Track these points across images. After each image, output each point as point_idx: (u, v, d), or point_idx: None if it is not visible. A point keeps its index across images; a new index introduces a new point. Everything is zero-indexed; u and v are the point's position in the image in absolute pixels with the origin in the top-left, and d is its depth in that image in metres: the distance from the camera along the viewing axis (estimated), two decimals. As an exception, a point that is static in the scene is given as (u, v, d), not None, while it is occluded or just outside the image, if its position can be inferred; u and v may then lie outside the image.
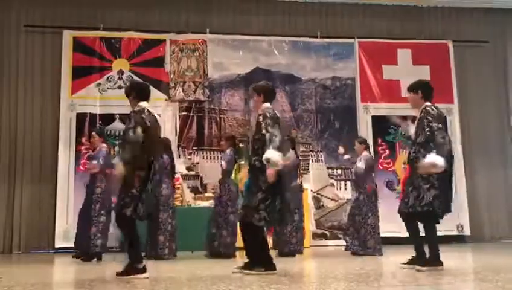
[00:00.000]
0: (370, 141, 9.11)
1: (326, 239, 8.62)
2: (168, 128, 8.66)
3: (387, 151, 9.16)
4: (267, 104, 4.62)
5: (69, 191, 8.22)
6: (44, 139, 8.50)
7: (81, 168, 8.28)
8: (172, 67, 8.90)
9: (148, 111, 4.41)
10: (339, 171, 9.02)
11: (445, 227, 8.52)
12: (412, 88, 4.86)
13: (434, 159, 4.30)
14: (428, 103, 4.77)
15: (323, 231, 8.65)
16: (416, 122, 4.75)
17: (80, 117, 8.47)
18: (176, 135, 8.63)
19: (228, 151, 6.64)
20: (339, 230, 8.75)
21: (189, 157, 8.67)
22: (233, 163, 6.66)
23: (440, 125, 4.53)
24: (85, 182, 8.18)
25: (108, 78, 8.69)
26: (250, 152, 4.60)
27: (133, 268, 4.22)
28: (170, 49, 8.94)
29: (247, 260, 4.50)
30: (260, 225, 4.38)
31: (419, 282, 3.94)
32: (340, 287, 3.58)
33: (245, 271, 4.37)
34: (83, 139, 8.41)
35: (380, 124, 9.21)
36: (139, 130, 4.22)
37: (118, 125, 8.50)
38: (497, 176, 9.48)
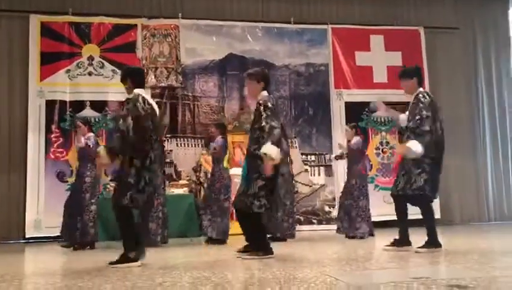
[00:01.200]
0: (343, 127, 9.20)
1: (300, 224, 8.68)
2: (141, 115, 8.54)
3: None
4: (265, 93, 4.65)
5: (39, 180, 8.04)
6: (12, 127, 8.27)
7: (52, 156, 8.13)
8: (144, 53, 8.75)
9: (144, 99, 4.34)
10: (313, 158, 9.08)
11: (416, 210, 8.72)
12: (407, 74, 4.97)
13: (411, 145, 4.54)
14: (421, 90, 4.91)
15: (297, 216, 8.70)
16: (409, 107, 4.89)
17: (49, 104, 8.25)
18: (148, 122, 8.52)
19: (219, 138, 6.71)
20: (312, 215, 8.85)
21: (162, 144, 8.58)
22: (225, 150, 6.74)
23: (429, 114, 4.72)
24: (56, 170, 8.11)
25: (78, 64, 8.48)
26: (249, 140, 4.59)
27: (125, 257, 4.21)
28: (142, 35, 8.77)
29: (246, 245, 4.63)
30: (260, 211, 4.47)
31: (388, 265, 4.01)
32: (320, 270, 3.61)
33: (246, 256, 4.48)
34: (53, 127, 8.22)
35: (353, 110, 9.28)
36: (129, 119, 4.15)
37: (88, 113, 8.34)
38: (467, 160, 9.68)
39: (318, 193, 8.96)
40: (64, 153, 8.21)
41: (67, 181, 8.11)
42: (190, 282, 3.31)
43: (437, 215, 9.14)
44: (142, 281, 3.42)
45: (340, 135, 9.26)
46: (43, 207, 7.94)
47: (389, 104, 9.32)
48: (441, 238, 6.65)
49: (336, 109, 9.25)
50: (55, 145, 8.17)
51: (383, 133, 9.38)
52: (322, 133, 9.17)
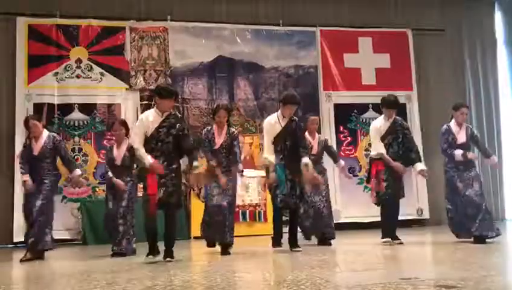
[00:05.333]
0: (332, 129, 9.25)
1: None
2: (129, 118, 8.49)
3: (349, 138, 9.30)
4: None
5: (26, 185, 7.94)
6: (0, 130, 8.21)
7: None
8: (133, 55, 8.72)
9: None
10: (303, 159, 9.09)
11: (406, 211, 8.82)
12: (397, 106, 6.00)
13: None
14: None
15: (286, 218, 8.70)
16: (390, 127, 5.85)
17: (37, 107, 8.18)
18: (137, 124, 8.47)
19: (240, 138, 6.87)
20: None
21: (151, 147, 8.54)
22: None
23: None
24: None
25: (66, 67, 8.43)
26: (292, 150, 5.36)
27: (172, 251, 4.76)
28: (130, 37, 8.74)
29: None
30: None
31: (377, 266, 4.03)
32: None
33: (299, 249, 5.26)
34: (41, 130, 8.14)
35: (342, 112, 9.33)
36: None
37: (77, 116, 8.29)
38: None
39: (307, 195, 8.96)
40: (53, 156, 8.13)
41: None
42: (180, 285, 3.30)
43: (426, 216, 9.28)
44: (131, 285, 3.40)
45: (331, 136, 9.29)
46: (31, 211, 7.85)
47: (377, 105, 9.37)
48: (429, 238, 6.70)
49: (325, 110, 9.28)
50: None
51: (372, 134, 9.41)
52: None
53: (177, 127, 4.75)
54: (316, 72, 9.40)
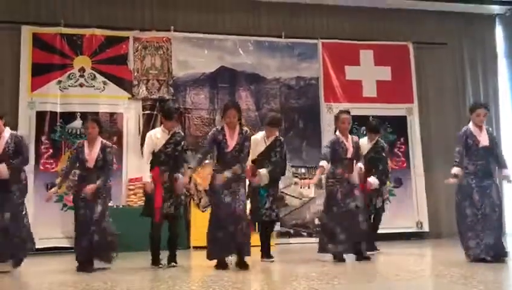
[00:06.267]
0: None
1: (289, 237, 8.70)
2: (131, 127, 8.55)
3: (350, 150, 9.31)
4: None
5: (28, 192, 7.95)
6: (2, 138, 8.23)
7: (41, 167, 8.08)
8: (136, 65, 8.78)
9: None
10: (303, 170, 9.11)
11: (405, 224, 8.85)
12: (377, 130, 6.69)
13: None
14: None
15: (287, 229, 8.73)
16: (372, 148, 6.53)
17: (40, 115, 8.23)
18: (139, 134, 8.49)
19: None
20: (302, 228, 8.86)
21: (153, 156, 8.56)
22: None
23: None
24: (45, 182, 8.04)
25: (69, 75, 8.47)
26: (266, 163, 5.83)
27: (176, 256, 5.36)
28: (134, 47, 8.79)
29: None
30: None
31: (375, 279, 4.04)
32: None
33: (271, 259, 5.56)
34: (43, 139, 8.19)
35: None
36: None
37: (79, 124, 8.31)
38: (454, 173, 9.76)
39: (308, 206, 8.98)
40: (54, 164, 8.17)
41: (56, 192, 8.05)
42: (178, 296, 3.32)
43: (426, 229, 9.25)
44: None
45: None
46: (32, 218, 7.82)
47: (378, 118, 9.41)
48: (428, 252, 6.69)
49: (325, 122, 9.31)
50: (45, 156, 8.13)
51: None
52: (312, 146, 9.20)
53: (182, 144, 5.46)
54: (317, 84, 9.43)
